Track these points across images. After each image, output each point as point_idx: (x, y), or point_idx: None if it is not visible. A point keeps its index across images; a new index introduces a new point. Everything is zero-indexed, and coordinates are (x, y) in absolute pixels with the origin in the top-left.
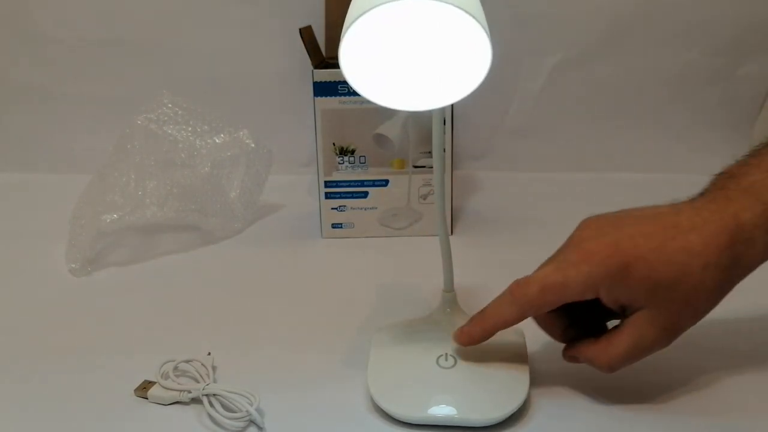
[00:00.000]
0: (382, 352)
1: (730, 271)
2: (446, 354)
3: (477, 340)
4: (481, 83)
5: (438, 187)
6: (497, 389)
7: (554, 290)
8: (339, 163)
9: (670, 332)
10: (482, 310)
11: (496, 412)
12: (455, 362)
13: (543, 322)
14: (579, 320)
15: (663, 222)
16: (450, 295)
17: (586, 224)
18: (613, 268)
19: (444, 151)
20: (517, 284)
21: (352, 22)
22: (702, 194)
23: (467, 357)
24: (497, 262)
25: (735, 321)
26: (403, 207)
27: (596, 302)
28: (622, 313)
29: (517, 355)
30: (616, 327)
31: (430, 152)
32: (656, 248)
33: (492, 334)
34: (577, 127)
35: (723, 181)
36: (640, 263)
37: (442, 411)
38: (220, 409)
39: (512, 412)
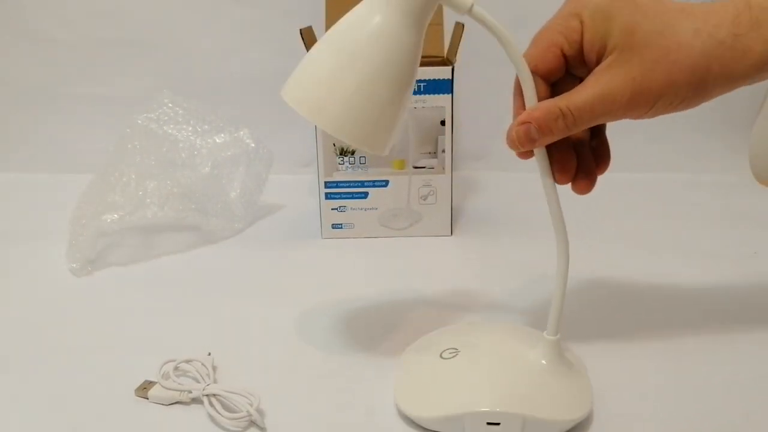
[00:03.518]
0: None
1: (723, 47)
2: (450, 347)
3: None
4: None
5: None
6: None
7: None
8: (339, 164)
9: (637, 85)
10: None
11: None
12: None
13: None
14: None
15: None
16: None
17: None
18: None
19: (443, 152)
20: None
21: None
22: None
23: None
24: (497, 262)
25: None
26: (403, 207)
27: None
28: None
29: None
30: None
31: (430, 153)
32: (651, 2)
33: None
34: None
35: None
36: (628, 4)
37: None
38: (221, 410)
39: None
